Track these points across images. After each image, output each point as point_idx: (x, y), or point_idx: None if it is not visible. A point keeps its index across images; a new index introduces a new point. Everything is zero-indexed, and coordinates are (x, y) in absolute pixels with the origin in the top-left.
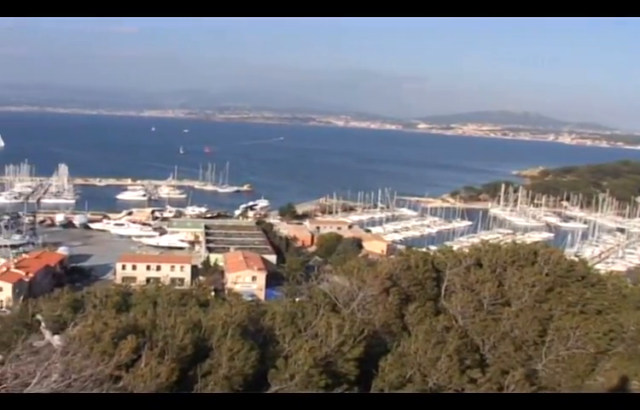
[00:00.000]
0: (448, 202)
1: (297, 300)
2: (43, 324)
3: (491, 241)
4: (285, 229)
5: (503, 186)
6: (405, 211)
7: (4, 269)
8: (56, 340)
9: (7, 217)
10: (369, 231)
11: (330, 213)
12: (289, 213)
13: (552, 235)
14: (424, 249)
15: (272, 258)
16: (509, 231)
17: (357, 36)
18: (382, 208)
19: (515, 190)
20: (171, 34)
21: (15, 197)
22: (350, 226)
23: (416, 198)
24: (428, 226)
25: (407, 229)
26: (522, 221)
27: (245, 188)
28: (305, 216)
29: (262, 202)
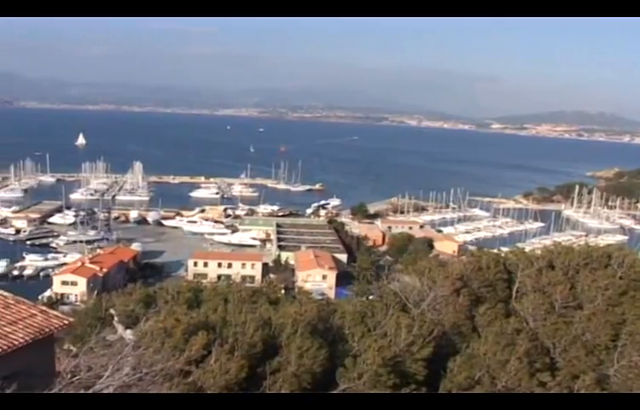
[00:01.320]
0: (521, 202)
1: (367, 299)
2: (116, 318)
3: (563, 243)
4: (356, 228)
5: (577, 187)
6: (477, 211)
7: (79, 264)
8: (129, 334)
9: (83, 213)
10: (440, 231)
11: (402, 212)
12: (361, 213)
13: (626, 237)
14: (495, 250)
15: (343, 257)
16: (582, 233)
17: (431, 35)
18: (454, 209)
19: (589, 192)
20: (245, 33)
21: (91, 194)
22: (421, 226)
23: (489, 199)
24: (500, 227)
25: (479, 230)
26: (596, 223)
27: (317, 187)
28: (376, 216)
29: (334, 201)
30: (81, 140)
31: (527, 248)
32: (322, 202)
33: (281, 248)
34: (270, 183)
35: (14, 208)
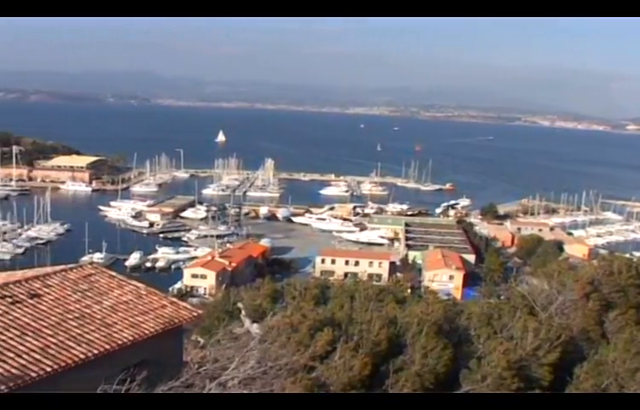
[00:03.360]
0: None
1: (494, 301)
2: (243, 312)
3: None
4: (485, 229)
5: None
6: (610, 215)
7: (209, 258)
8: (255, 328)
9: (214, 208)
10: (570, 234)
11: (532, 214)
12: (490, 213)
13: None
14: (628, 255)
15: (471, 258)
16: None
17: (564, 35)
18: (586, 211)
19: None
20: (376, 32)
21: (223, 190)
22: (551, 228)
23: (622, 202)
24: (634, 231)
25: (611, 233)
26: None
27: (447, 186)
28: (506, 216)
29: (463, 201)
30: (221, 137)
31: None
32: (452, 202)
33: (409, 247)
34: (399, 182)
35: (148, 202)
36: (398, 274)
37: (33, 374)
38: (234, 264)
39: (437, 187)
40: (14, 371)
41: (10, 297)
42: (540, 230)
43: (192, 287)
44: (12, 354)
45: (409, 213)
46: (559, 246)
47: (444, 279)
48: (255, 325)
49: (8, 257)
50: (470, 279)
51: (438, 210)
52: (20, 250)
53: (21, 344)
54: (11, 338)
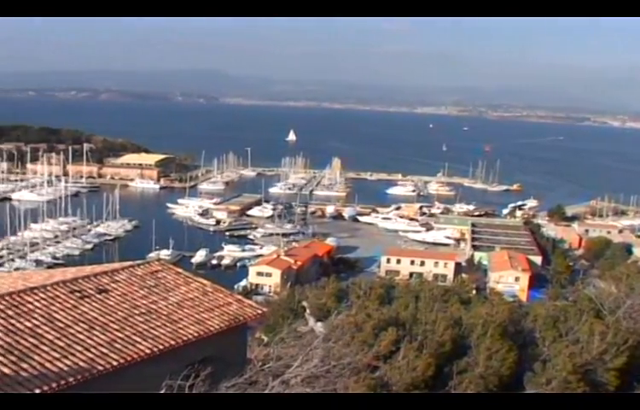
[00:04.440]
0: None
1: (560, 303)
2: (307, 310)
3: None
4: (552, 230)
5: None
6: None
7: (275, 256)
8: (319, 327)
9: (280, 207)
10: None
11: (600, 216)
12: (558, 215)
13: None
14: None
15: (537, 259)
16: None
17: (635, 33)
18: None
19: None
20: (444, 32)
21: (289, 188)
22: (620, 231)
23: None
24: None
25: None
26: None
27: (514, 187)
28: (574, 218)
29: (531, 202)
30: (292, 136)
31: None
32: (519, 203)
33: (475, 247)
34: (466, 182)
35: (215, 200)
36: (464, 275)
37: (100, 367)
38: (299, 262)
39: (504, 188)
40: (81, 364)
41: (79, 292)
42: (609, 232)
43: (257, 285)
44: (80, 348)
45: (475, 213)
46: (628, 248)
47: (509, 281)
48: (319, 323)
49: (77, 253)
50: (536, 281)
51: (505, 211)
52: (89, 246)
53: (89, 338)
54: (79, 332)
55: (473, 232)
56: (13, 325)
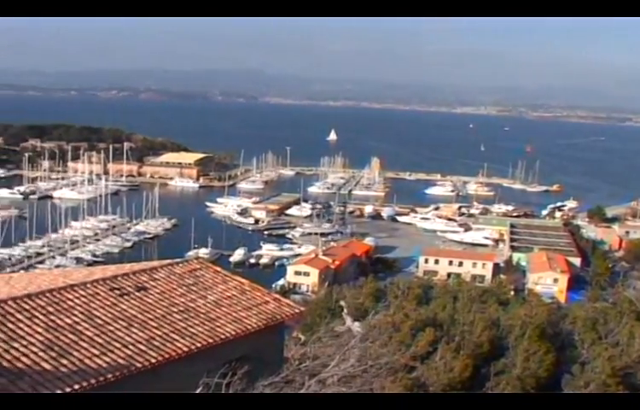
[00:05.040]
0: None
1: (600, 305)
2: (345, 310)
3: None
4: (592, 232)
5: None
6: None
7: (313, 255)
8: (357, 326)
9: (319, 206)
10: None
11: None
12: (598, 216)
13: None
14: None
15: (576, 261)
16: None
17: None
18: None
19: None
20: (482, 31)
21: (328, 188)
22: None
23: None
24: None
25: None
26: None
27: (554, 188)
28: (614, 219)
29: (570, 203)
30: (332, 136)
31: None
32: (559, 204)
33: (513, 248)
34: (505, 182)
35: (254, 199)
36: (502, 276)
37: (139, 364)
38: (337, 262)
39: (544, 188)
40: (120, 361)
41: (118, 289)
42: None
43: (295, 284)
44: (119, 345)
45: (514, 214)
46: None
47: (547, 282)
48: (357, 323)
49: (116, 250)
50: (575, 283)
51: (544, 212)
52: (129, 244)
53: (128, 335)
54: (118, 329)
55: (511, 233)
56: (53, 321)
